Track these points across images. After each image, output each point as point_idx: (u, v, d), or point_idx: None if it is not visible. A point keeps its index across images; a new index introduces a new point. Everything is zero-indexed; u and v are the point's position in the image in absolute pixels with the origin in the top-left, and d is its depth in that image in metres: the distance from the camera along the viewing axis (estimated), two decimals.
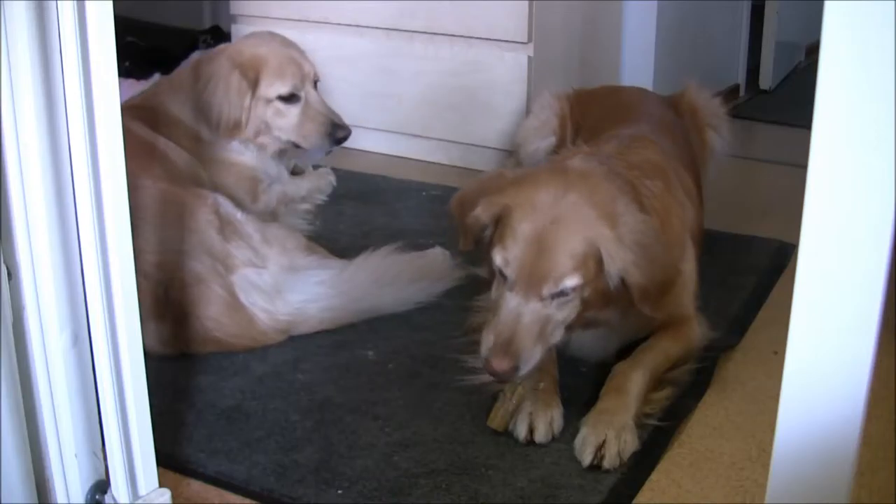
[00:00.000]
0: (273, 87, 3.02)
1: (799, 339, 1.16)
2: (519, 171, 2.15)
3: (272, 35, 3.17)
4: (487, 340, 1.97)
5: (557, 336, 2.02)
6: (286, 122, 3.07)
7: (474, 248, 2.17)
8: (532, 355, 1.96)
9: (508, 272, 1.97)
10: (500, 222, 2.03)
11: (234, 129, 3.02)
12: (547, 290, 1.95)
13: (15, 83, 1.40)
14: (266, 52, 3.05)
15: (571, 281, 1.95)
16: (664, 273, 2.06)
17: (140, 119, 2.83)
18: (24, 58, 1.39)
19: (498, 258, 1.98)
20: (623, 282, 2.00)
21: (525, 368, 1.96)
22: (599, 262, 1.97)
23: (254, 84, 3.00)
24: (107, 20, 1.41)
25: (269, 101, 3.03)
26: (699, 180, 2.71)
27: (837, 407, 1.16)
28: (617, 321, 2.17)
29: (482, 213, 2.07)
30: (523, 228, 1.96)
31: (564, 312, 2.00)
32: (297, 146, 3.14)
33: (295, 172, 3.40)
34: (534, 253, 1.95)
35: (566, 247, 1.95)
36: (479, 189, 2.16)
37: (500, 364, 1.93)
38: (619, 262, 1.97)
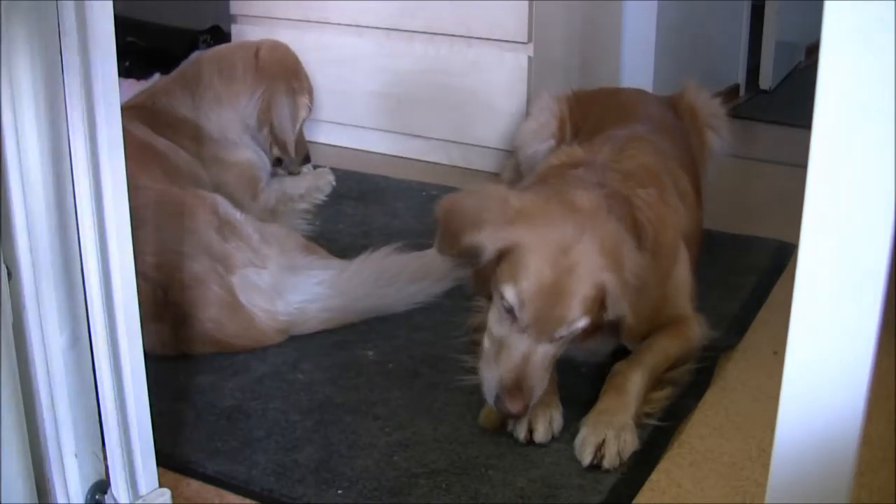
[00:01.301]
0: (308, 108, 3.29)
1: (799, 338, 1.16)
2: (524, 199, 2.08)
3: (287, 46, 3.32)
4: (496, 378, 1.97)
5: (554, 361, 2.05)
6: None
7: (456, 257, 2.16)
8: (541, 391, 1.99)
9: (521, 315, 1.95)
10: (507, 256, 2.00)
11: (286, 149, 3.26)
12: (558, 334, 1.97)
13: (15, 83, 1.40)
14: (302, 73, 3.28)
15: (582, 323, 1.97)
16: (651, 312, 2.09)
17: (140, 119, 2.84)
18: (23, 57, 1.39)
19: (510, 297, 1.96)
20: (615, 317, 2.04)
21: (532, 402, 1.98)
22: (603, 302, 1.99)
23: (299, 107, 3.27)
24: (107, 20, 1.41)
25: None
26: (698, 181, 2.71)
27: (837, 407, 1.16)
28: (602, 340, 2.19)
29: (489, 244, 2.02)
30: (540, 271, 1.94)
31: (567, 346, 2.04)
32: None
33: (292, 173, 3.41)
34: (550, 299, 1.94)
35: (580, 293, 1.95)
36: (476, 209, 2.11)
37: (515, 406, 1.94)
38: (619, 307, 1.99)
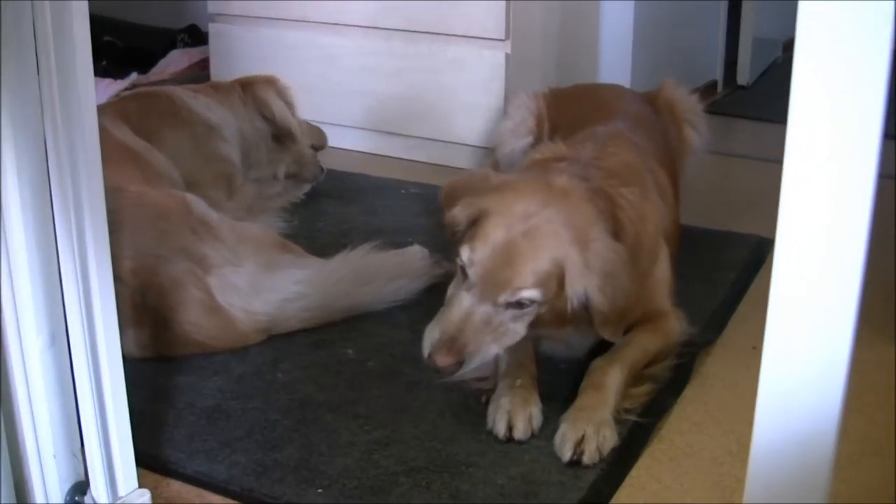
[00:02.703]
0: (291, 92, 3.46)
1: (776, 333, 1.16)
2: (504, 176, 2.15)
3: None
4: (433, 334, 1.99)
5: (507, 343, 2.02)
6: None
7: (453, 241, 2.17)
8: (476, 356, 1.96)
9: (470, 272, 1.97)
10: (475, 224, 2.03)
11: None
12: (503, 298, 1.96)
13: None
14: (266, 74, 3.43)
15: (529, 294, 1.96)
16: (626, 302, 2.06)
17: (124, 115, 2.87)
18: None
19: (464, 256, 1.99)
20: (583, 305, 2.01)
21: (468, 367, 1.96)
22: (562, 282, 1.98)
23: None
24: (82, 21, 1.41)
25: None
26: (676, 177, 2.72)
27: (816, 401, 1.16)
28: (574, 336, 2.18)
29: (460, 213, 2.08)
30: (495, 234, 1.97)
31: (517, 325, 2.00)
32: None
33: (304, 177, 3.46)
34: (499, 259, 1.95)
35: (532, 261, 1.95)
36: (464, 186, 2.16)
37: (443, 360, 1.94)
38: (581, 287, 1.98)
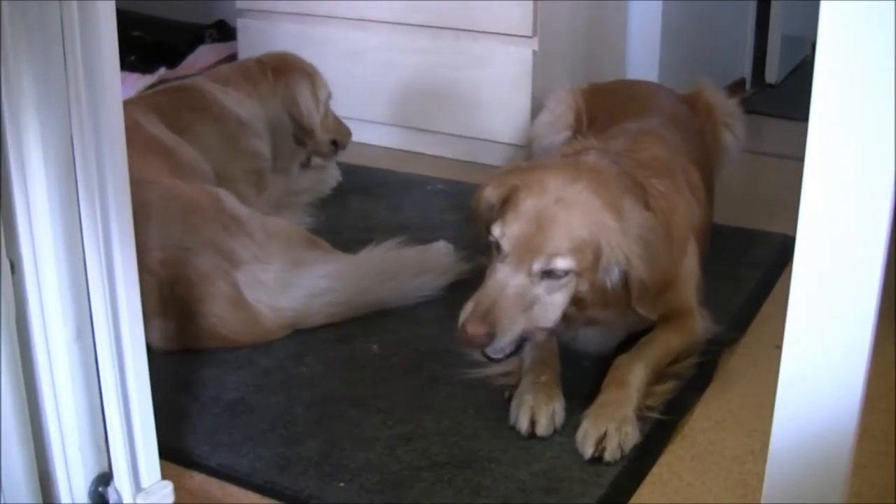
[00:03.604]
0: (326, 86, 3.42)
1: (796, 332, 1.16)
2: (533, 161, 2.15)
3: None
4: (467, 308, 1.96)
5: (545, 322, 2.00)
6: None
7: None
8: (510, 329, 1.94)
9: (503, 244, 1.97)
10: (506, 202, 2.04)
11: None
12: (537, 266, 1.95)
13: (18, 80, 1.40)
14: (304, 60, 3.39)
15: (564, 262, 1.95)
16: (664, 273, 2.06)
17: (158, 109, 2.88)
18: (26, 56, 1.40)
19: (496, 231, 1.99)
20: (622, 281, 2.01)
21: (501, 341, 1.94)
22: (598, 254, 1.98)
23: None
24: (109, 19, 1.42)
25: None
26: (710, 177, 2.72)
27: (835, 400, 1.16)
28: (616, 320, 2.17)
29: (491, 193, 2.09)
30: (525, 205, 1.97)
31: (554, 298, 1.99)
32: None
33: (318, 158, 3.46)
34: (532, 227, 1.96)
35: (565, 226, 1.95)
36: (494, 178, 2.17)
37: (475, 328, 1.92)
38: (620, 254, 1.97)
